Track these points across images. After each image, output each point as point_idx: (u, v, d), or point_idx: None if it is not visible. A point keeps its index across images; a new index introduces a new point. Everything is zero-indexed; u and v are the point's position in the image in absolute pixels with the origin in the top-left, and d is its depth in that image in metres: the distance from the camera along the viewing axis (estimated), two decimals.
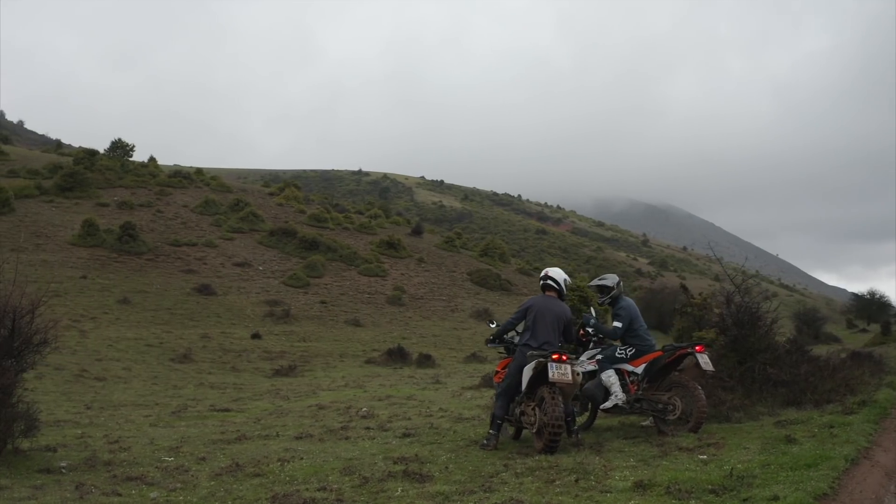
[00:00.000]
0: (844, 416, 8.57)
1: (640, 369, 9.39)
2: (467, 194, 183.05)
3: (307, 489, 6.88)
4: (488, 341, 9.90)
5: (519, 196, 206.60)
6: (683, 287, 17.52)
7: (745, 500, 5.54)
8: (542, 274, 9.65)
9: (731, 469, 6.23)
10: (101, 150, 62.63)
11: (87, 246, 41.26)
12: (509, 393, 9.01)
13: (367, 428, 11.14)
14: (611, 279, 10.07)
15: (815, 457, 6.51)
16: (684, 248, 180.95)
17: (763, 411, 9.47)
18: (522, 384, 8.70)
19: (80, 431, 11.54)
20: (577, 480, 6.48)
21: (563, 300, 9.43)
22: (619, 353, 9.56)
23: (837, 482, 5.82)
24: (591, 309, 10.84)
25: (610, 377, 9.34)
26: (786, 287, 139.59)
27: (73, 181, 50.75)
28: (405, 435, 10.23)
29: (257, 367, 25.42)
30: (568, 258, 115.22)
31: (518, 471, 7.18)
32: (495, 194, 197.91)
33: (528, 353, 8.73)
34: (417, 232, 67.62)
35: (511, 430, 9.46)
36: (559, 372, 8.25)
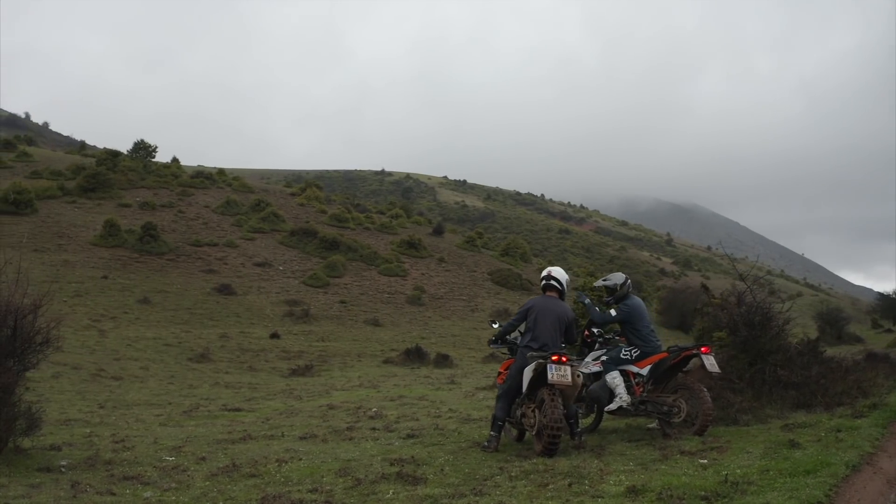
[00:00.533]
0: (853, 420, 8.37)
1: (645, 371, 9.23)
2: (490, 194, 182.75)
3: (299, 490, 6.84)
4: (490, 342, 9.80)
5: (542, 195, 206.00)
6: (704, 287, 17.25)
7: None
8: (545, 274, 9.53)
9: (727, 475, 6.08)
10: (124, 152, 63.12)
11: (108, 246, 41.58)
12: (510, 394, 8.90)
13: (373, 428, 11.09)
14: (615, 278, 9.92)
15: (815, 463, 6.34)
16: (708, 248, 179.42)
17: (772, 414, 9.28)
18: (523, 386, 8.59)
19: (88, 430, 11.57)
20: (570, 485, 6.36)
21: (563, 300, 9.31)
22: (624, 355, 9.40)
23: (835, 490, 5.65)
24: (586, 296, 10.65)
25: (615, 379, 9.19)
26: (811, 286, 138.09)
27: (95, 182, 51.20)
28: (409, 436, 10.16)
29: (274, 367, 25.45)
30: (591, 258, 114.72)
31: (513, 474, 7.07)
32: (518, 194, 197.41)
33: (529, 355, 8.62)
34: (438, 232, 67.54)
35: (514, 432, 9.34)
36: (559, 373, 8.13)
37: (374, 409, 13.68)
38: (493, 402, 14.00)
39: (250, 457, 8.75)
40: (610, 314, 9.56)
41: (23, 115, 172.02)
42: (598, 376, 9.54)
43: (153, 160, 63.90)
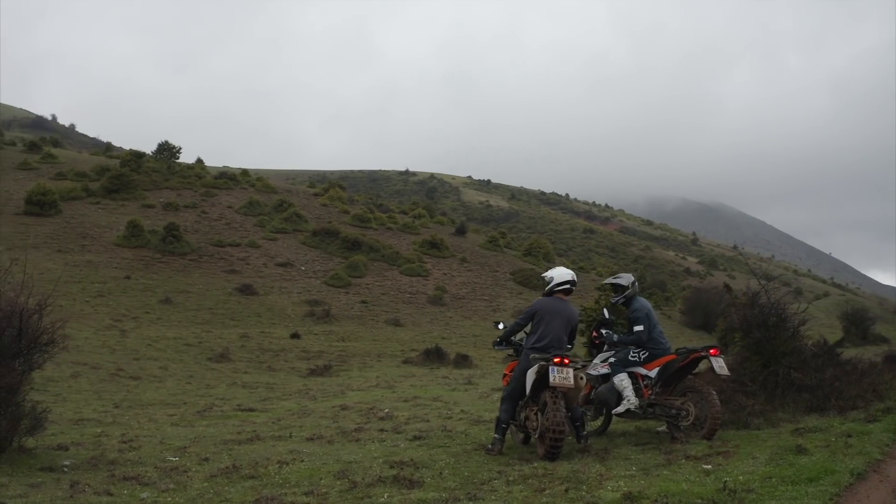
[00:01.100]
0: (865, 425, 8.12)
1: (653, 373, 9.04)
2: (514, 194, 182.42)
3: (294, 493, 6.79)
4: (495, 344, 9.67)
5: (567, 195, 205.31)
6: (727, 287, 16.98)
7: None
8: (570, 277, 9.14)
9: (725, 483, 5.91)
10: (149, 153, 63.61)
11: (131, 247, 41.97)
12: (514, 397, 8.77)
13: (382, 430, 11.02)
14: (626, 278, 9.74)
15: (820, 470, 6.14)
16: (734, 247, 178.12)
17: (784, 418, 9.06)
18: (526, 388, 8.47)
19: (99, 430, 11.61)
20: (566, 490, 6.23)
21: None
22: (632, 357, 9.22)
23: (836, 500, 5.44)
24: (605, 310, 10.49)
25: (622, 381, 9.02)
26: (838, 286, 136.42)
27: (119, 183, 51.70)
28: (416, 438, 10.07)
29: (293, 367, 25.48)
30: (616, 257, 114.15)
31: (511, 478, 6.95)
32: (543, 193, 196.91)
33: (531, 357, 8.49)
34: (461, 232, 67.48)
35: (521, 435, 9.19)
36: (560, 376, 7.99)
37: (387, 410, 13.61)
38: None
39: (253, 458, 8.71)
40: (640, 330, 9.25)
41: (49, 118, 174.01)
42: (606, 378, 9.39)
43: (177, 161, 64.33)
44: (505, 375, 9.44)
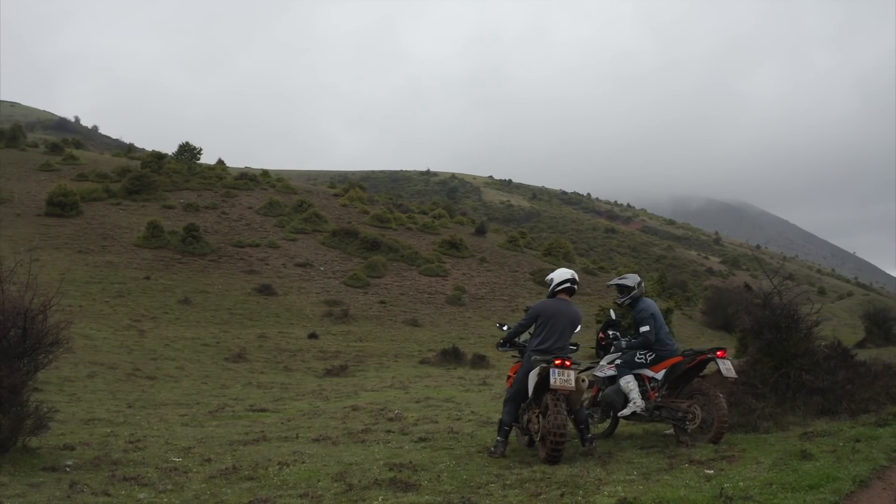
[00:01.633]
0: (875, 429, 7.90)
1: (660, 375, 8.90)
2: (535, 193, 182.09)
3: (290, 495, 6.75)
4: (499, 345, 9.56)
5: (588, 194, 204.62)
6: (747, 286, 16.81)
7: None
8: (570, 276, 9.09)
9: (722, 490, 5.77)
10: (170, 154, 64.02)
11: (151, 247, 42.23)
12: (517, 399, 8.66)
13: (389, 431, 10.96)
14: (631, 279, 9.61)
15: (821, 476, 5.96)
16: (757, 247, 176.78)
17: (794, 421, 8.88)
18: (528, 390, 8.37)
19: (109, 430, 11.64)
20: (562, 495, 6.13)
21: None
22: (638, 358, 9.08)
23: None
24: (612, 311, 10.35)
25: (629, 383, 8.89)
26: (862, 286, 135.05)
27: (140, 184, 52.09)
28: (421, 439, 10.00)
29: (310, 367, 25.49)
30: (637, 257, 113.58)
31: (508, 482, 6.86)
32: (564, 193, 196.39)
33: (533, 359, 8.40)
34: (481, 232, 67.34)
35: (525, 438, 9.07)
36: (562, 378, 7.89)
37: (397, 411, 13.54)
38: None
39: (255, 459, 8.67)
40: (646, 331, 9.13)
41: (72, 119, 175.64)
42: (613, 380, 9.26)
43: (198, 162, 64.68)
44: (509, 377, 9.34)
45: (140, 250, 41.78)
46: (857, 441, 7.35)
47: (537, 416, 8.27)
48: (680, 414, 8.57)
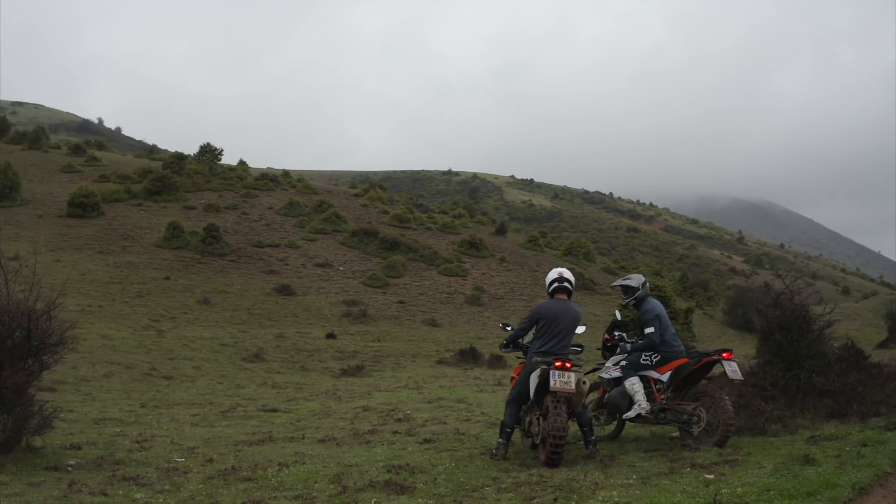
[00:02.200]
0: (883, 433, 7.67)
1: (665, 377, 8.76)
2: (557, 193, 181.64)
3: (284, 496, 6.72)
4: (502, 346, 9.48)
5: (610, 194, 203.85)
6: (767, 286, 16.52)
7: None
8: (556, 276, 9.07)
9: (716, 496, 5.65)
10: (191, 155, 64.39)
11: (171, 248, 42.46)
12: (518, 401, 8.57)
13: (395, 432, 10.90)
14: (635, 279, 9.48)
15: (821, 483, 5.79)
16: (781, 246, 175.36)
17: (803, 424, 8.68)
18: (530, 392, 8.28)
19: (118, 430, 11.67)
20: (555, 499, 6.03)
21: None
22: (643, 360, 8.94)
23: None
24: (617, 312, 10.23)
25: (634, 385, 8.75)
26: (886, 285, 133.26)
27: (161, 185, 52.41)
28: (426, 440, 9.94)
29: (326, 367, 25.51)
30: (660, 256, 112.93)
31: (504, 485, 6.77)
32: (586, 192, 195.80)
33: (533, 360, 8.32)
34: (501, 231, 67.20)
35: (529, 440, 8.96)
36: (561, 380, 7.79)
37: (407, 412, 13.48)
38: None
39: (256, 460, 8.65)
40: (650, 333, 9.01)
41: (96, 121, 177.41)
42: (618, 382, 9.14)
43: (219, 163, 65.00)
44: (512, 378, 9.25)
45: (160, 251, 42.04)
46: (864, 445, 7.16)
47: (538, 419, 8.19)
48: (685, 416, 8.44)
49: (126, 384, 18.75)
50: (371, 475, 7.44)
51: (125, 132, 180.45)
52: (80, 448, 9.57)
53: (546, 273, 9.34)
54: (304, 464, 8.33)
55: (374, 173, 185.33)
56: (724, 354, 8.46)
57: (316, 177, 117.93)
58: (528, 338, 9.14)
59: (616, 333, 9.65)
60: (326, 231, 53.55)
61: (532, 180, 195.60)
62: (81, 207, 45.04)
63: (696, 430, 8.32)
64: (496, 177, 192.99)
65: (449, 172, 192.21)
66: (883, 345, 29.69)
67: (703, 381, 8.77)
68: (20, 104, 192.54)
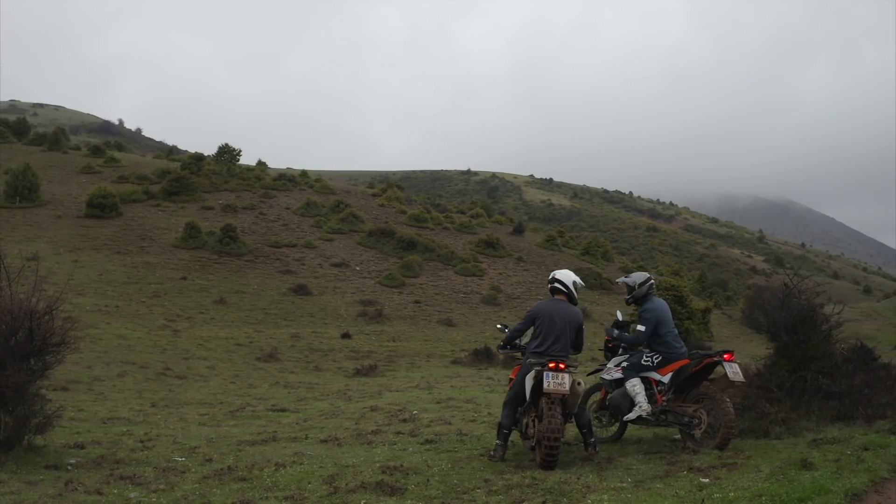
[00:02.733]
0: (887, 437, 7.47)
1: (666, 378, 8.65)
2: (576, 192, 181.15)
3: (276, 497, 6.72)
4: (500, 347, 9.42)
5: (630, 193, 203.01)
6: (786, 286, 16.29)
7: None
8: (550, 277, 9.05)
9: (703, 501, 5.58)
10: (209, 156, 64.74)
11: (188, 248, 42.72)
12: (515, 402, 8.49)
13: (399, 433, 10.85)
14: (635, 277, 9.35)
15: (814, 489, 5.65)
16: (802, 245, 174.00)
17: (808, 426, 8.53)
18: (526, 393, 8.23)
19: (125, 429, 11.73)
20: (544, 502, 5.97)
21: (573, 304, 8.87)
22: (645, 361, 8.83)
23: None
24: (619, 312, 10.12)
25: (635, 386, 8.65)
26: None
27: (179, 185, 52.75)
28: (427, 441, 9.89)
29: (340, 367, 25.54)
30: (679, 256, 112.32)
31: (495, 487, 6.71)
32: (605, 191, 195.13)
33: (528, 361, 8.27)
34: (519, 231, 67.12)
35: (528, 442, 8.88)
36: (555, 382, 7.71)
37: (414, 412, 13.45)
38: None
39: (255, 460, 8.65)
40: (640, 331, 8.97)
41: (116, 122, 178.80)
42: (620, 383, 9.04)
43: (237, 163, 65.29)
44: (511, 380, 9.19)
45: (177, 251, 42.29)
46: (866, 450, 6.99)
47: (533, 421, 8.13)
48: (686, 418, 8.33)
49: (139, 384, 18.85)
50: (365, 476, 7.42)
51: (145, 133, 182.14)
52: (83, 447, 9.63)
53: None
54: (301, 464, 8.32)
55: (394, 173, 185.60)
56: (725, 356, 8.35)
57: (335, 177, 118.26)
58: (528, 339, 9.07)
59: (617, 333, 9.56)
60: (343, 231, 53.67)
61: (551, 180, 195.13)
62: (100, 208, 45.40)
63: (697, 433, 8.22)
64: (515, 176, 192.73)
65: (468, 172, 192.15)
66: None
67: (705, 383, 8.65)
68: (41, 106, 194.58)
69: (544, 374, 7.81)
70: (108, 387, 17.85)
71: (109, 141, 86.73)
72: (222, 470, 7.96)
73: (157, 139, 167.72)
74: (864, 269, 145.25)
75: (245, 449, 9.70)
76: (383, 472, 7.54)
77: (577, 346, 8.83)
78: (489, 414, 13.15)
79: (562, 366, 7.85)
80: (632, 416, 8.63)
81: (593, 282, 52.71)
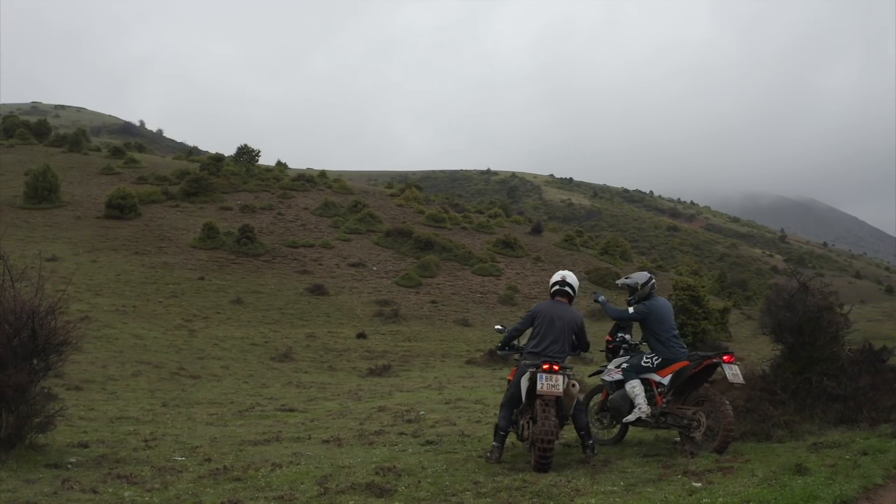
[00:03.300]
0: (888, 441, 7.25)
1: (666, 380, 8.58)
2: (597, 191, 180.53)
3: (266, 497, 6.74)
4: (498, 348, 9.40)
5: (651, 192, 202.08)
6: (804, 285, 16.11)
7: None
8: (560, 279, 8.94)
9: None
10: (229, 156, 65.10)
11: (206, 248, 42.96)
12: (512, 403, 8.46)
13: (402, 433, 10.84)
14: (637, 278, 9.27)
15: (804, 495, 5.54)
16: (824, 244, 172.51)
17: (810, 429, 8.38)
18: (522, 395, 8.20)
19: (132, 428, 11.81)
20: None
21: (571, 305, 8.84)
22: (645, 362, 8.74)
23: None
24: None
25: (634, 388, 8.56)
26: None
27: (198, 186, 53.08)
28: (428, 442, 9.87)
29: (354, 367, 25.56)
30: (700, 255, 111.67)
31: (484, 490, 6.67)
32: (626, 191, 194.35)
33: (522, 363, 8.24)
34: (537, 230, 66.94)
35: (526, 444, 8.85)
36: (549, 383, 7.67)
37: (421, 413, 13.43)
38: None
39: (252, 460, 8.68)
40: (627, 311, 8.98)
41: (137, 123, 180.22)
42: (621, 385, 8.98)
43: (256, 164, 65.59)
44: (509, 381, 9.16)
45: (195, 251, 42.56)
46: (865, 454, 6.82)
47: (528, 422, 8.11)
48: (685, 421, 8.24)
49: (152, 383, 18.95)
50: (357, 477, 7.40)
51: (166, 134, 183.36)
52: (87, 446, 9.71)
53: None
54: (298, 464, 8.33)
55: (413, 173, 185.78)
56: (724, 357, 8.27)
57: (356, 177, 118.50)
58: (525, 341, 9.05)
59: (619, 335, 9.51)
60: (361, 231, 53.77)
61: (571, 179, 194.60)
62: (119, 209, 45.78)
63: (696, 435, 8.14)
64: (535, 176, 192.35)
65: (488, 172, 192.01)
66: None
67: (705, 385, 8.57)
68: (63, 107, 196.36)
69: (538, 375, 7.78)
70: (121, 386, 17.97)
71: (130, 142, 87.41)
72: (218, 470, 8.00)
73: (178, 140, 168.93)
74: (887, 269, 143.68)
75: (246, 449, 9.74)
76: (376, 474, 7.53)
77: (582, 346, 8.83)
78: (495, 415, 12.99)
79: (556, 367, 7.81)
80: (631, 417, 8.56)
81: (612, 281, 52.42)
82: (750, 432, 8.52)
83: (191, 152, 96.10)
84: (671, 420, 8.39)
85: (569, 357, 8.60)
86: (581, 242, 65.78)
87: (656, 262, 69.50)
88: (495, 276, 49.84)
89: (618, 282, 10.04)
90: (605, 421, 9.37)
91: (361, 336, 31.85)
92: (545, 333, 8.40)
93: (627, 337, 9.50)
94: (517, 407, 8.44)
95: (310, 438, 10.63)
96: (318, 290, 39.63)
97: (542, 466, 7.56)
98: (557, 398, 7.84)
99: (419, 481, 7.18)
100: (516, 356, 9.28)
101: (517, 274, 51.49)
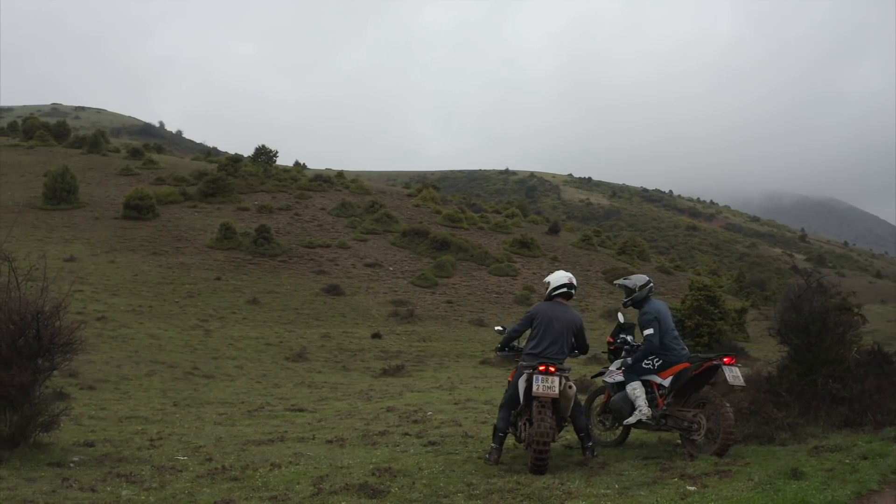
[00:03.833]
0: (890, 444, 7.09)
1: (667, 382, 8.51)
2: (615, 191, 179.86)
3: (260, 497, 6.77)
4: (497, 349, 9.39)
5: (670, 192, 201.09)
6: (811, 285, 15.93)
7: None
8: (567, 282, 8.82)
9: None
10: (246, 157, 65.41)
11: (223, 249, 43.20)
12: (510, 405, 8.44)
13: (406, 434, 10.83)
14: (635, 280, 9.20)
15: (795, 501, 5.46)
16: (845, 244, 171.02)
17: (814, 433, 8.29)
18: (520, 396, 8.19)
19: (140, 428, 11.89)
20: None
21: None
22: (645, 364, 8.73)
23: None
24: (620, 315, 9.94)
25: (635, 390, 8.51)
26: None
27: (215, 187, 53.39)
28: (430, 443, 9.85)
29: (368, 367, 25.59)
30: (720, 255, 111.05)
31: (476, 492, 6.64)
32: (645, 190, 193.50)
33: (519, 364, 8.22)
34: (554, 230, 66.78)
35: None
36: (545, 385, 7.64)
37: (428, 413, 13.43)
38: None
39: (252, 460, 8.72)
40: (649, 335, 8.69)
41: (157, 125, 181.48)
42: (622, 386, 8.94)
43: (274, 165, 65.85)
44: (509, 382, 9.14)
45: (212, 251, 42.81)
46: (864, 458, 6.68)
47: (525, 424, 8.10)
48: (685, 423, 8.17)
49: (165, 383, 19.06)
50: (353, 478, 7.41)
51: (186, 135, 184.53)
52: (92, 445, 9.80)
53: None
54: (297, 465, 8.36)
55: (432, 173, 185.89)
56: (725, 359, 8.21)
57: (374, 177, 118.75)
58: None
59: (620, 336, 9.47)
60: (377, 231, 53.87)
61: (590, 179, 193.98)
62: (137, 209, 46.14)
63: (697, 437, 8.08)
64: (553, 175, 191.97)
65: (506, 172, 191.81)
66: None
67: (707, 387, 8.51)
68: (83, 109, 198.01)
69: (534, 377, 7.77)
70: (134, 386, 18.09)
71: (149, 143, 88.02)
72: (217, 469, 8.04)
73: (198, 141, 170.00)
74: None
75: (249, 449, 9.78)
76: (372, 474, 7.53)
77: (581, 347, 8.80)
78: None
79: (552, 369, 7.79)
80: (632, 419, 8.52)
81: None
82: (753, 435, 8.43)
83: (210, 153, 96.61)
84: (672, 422, 8.34)
85: (567, 358, 8.59)
86: (598, 242, 65.56)
87: (675, 262, 69.15)
88: (511, 276, 49.77)
89: (616, 282, 9.99)
90: (607, 423, 9.33)
91: (376, 336, 31.89)
92: (544, 334, 8.38)
93: (629, 338, 9.46)
94: (515, 408, 8.43)
95: (314, 438, 10.65)
96: (333, 291, 39.73)
97: (539, 468, 7.55)
98: (554, 400, 7.83)
99: (413, 482, 7.18)
100: (516, 358, 9.26)
101: (534, 274, 51.34)
